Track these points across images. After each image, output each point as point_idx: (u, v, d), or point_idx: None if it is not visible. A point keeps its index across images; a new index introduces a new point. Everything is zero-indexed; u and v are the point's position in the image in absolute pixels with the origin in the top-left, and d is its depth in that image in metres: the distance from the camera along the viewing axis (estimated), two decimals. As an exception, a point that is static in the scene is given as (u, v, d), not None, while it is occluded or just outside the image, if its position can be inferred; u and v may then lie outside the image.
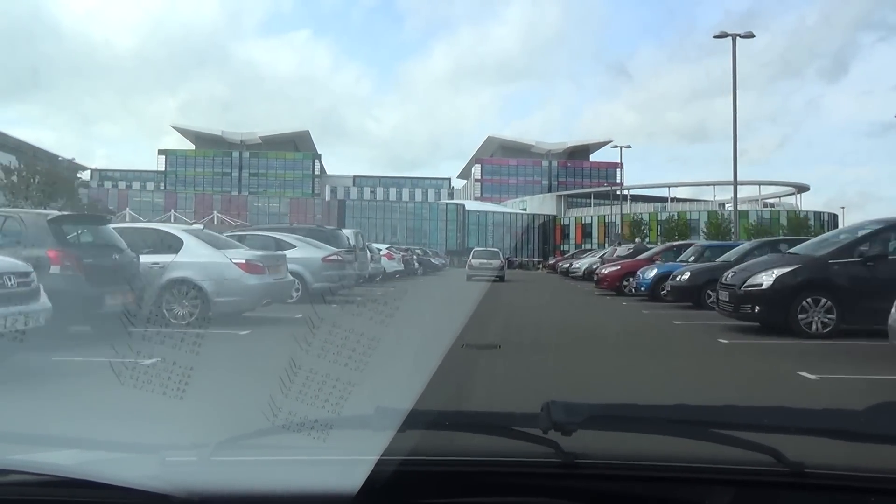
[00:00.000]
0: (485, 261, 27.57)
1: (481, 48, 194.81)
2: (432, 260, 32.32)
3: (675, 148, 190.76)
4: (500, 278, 26.02)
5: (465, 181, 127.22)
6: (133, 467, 1.09)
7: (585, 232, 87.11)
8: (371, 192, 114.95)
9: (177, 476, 1.04)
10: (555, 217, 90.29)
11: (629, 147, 45.06)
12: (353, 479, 1.00)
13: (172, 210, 66.52)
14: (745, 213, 77.83)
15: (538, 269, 55.40)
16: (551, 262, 44.06)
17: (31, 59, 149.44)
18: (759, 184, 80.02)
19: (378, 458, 1.03)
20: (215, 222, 67.65)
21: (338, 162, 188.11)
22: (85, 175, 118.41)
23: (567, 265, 31.91)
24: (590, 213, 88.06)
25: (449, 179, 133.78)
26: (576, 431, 1.07)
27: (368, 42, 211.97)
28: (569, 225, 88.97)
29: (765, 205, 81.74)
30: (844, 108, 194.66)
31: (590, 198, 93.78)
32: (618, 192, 66.14)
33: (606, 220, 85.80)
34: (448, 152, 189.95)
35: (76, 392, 5.00)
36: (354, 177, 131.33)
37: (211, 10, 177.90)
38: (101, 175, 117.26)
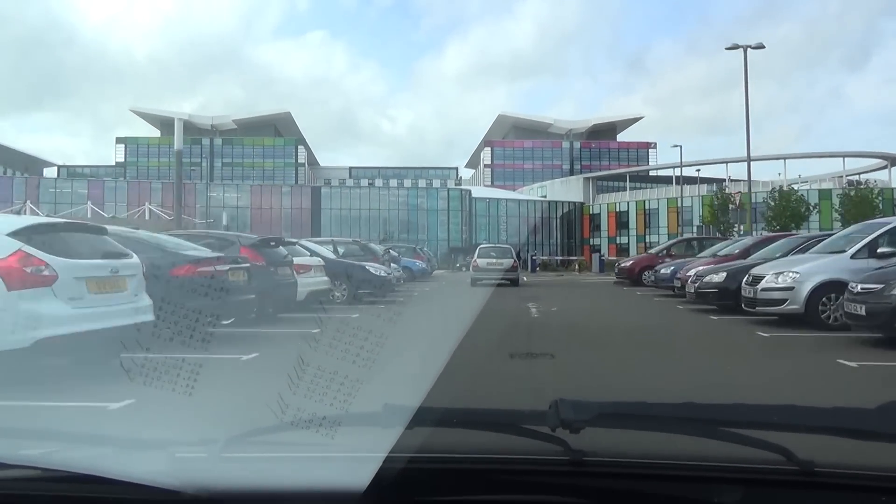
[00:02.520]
0: (493, 260, 22.39)
1: (496, 45, 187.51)
2: (371, 269, 13.51)
3: (693, 141, 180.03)
4: (513, 282, 21.62)
5: (473, 171, 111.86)
6: (143, 463, 1.11)
7: (620, 221, 70.91)
8: (369, 183, 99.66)
9: (187, 472, 1.04)
10: (582, 204, 74.13)
11: (758, 46, 28.89)
12: (361, 475, 0.99)
13: (88, 203, 51.30)
14: (826, 193, 61.58)
15: (574, 271, 39.34)
16: (626, 263, 22.63)
17: (49, 66, 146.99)
18: (844, 156, 63.71)
19: (386, 455, 1.03)
20: (147, 216, 52.72)
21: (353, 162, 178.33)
22: (51, 171, 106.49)
23: (718, 278, 11.38)
24: (625, 199, 71.72)
25: (456, 169, 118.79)
26: (584, 429, 1.07)
27: (382, 41, 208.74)
28: (599, 213, 72.78)
29: (850, 183, 65.19)
30: (867, 97, 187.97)
31: (624, 180, 77.48)
32: (650, 173, 50.06)
33: (647, 207, 69.57)
34: (462, 150, 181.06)
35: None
36: (350, 168, 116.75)
37: (227, 14, 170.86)
38: (69, 171, 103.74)
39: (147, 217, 52.18)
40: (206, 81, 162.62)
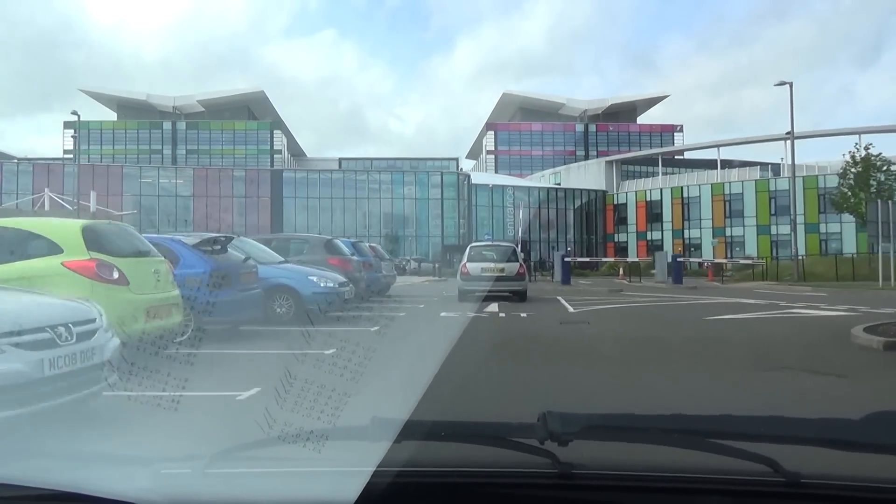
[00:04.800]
0: (490, 265, 15.90)
1: (505, 44, 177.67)
2: None
3: (704, 140, 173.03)
4: (519, 296, 15.53)
5: (475, 162, 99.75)
6: (128, 480, 1.10)
7: (652, 212, 58.60)
8: (363, 171, 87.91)
9: (171, 489, 1.04)
10: (604, 193, 61.83)
11: None
12: (348, 490, 0.99)
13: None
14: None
15: (621, 278, 26.88)
16: None
17: (60, 68, 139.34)
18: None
19: (374, 469, 1.02)
20: (46, 206, 40.90)
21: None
22: (11, 166, 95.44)
23: None
24: (658, 186, 59.30)
25: (456, 160, 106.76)
26: (572, 441, 1.07)
27: (391, 41, 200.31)
28: (626, 203, 60.43)
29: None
30: (877, 95, 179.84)
31: (652, 164, 65.12)
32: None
33: (686, 195, 57.15)
34: (468, 148, 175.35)
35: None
36: (340, 159, 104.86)
37: (236, 13, 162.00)
38: (30, 163, 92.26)
39: (47, 207, 40.41)
40: (213, 81, 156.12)
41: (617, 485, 1.09)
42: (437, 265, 31.91)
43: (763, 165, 57.32)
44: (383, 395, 2.11)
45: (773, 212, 52.19)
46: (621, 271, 28.42)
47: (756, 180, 53.77)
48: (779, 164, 56.98)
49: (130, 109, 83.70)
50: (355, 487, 0.98)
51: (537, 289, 20.86)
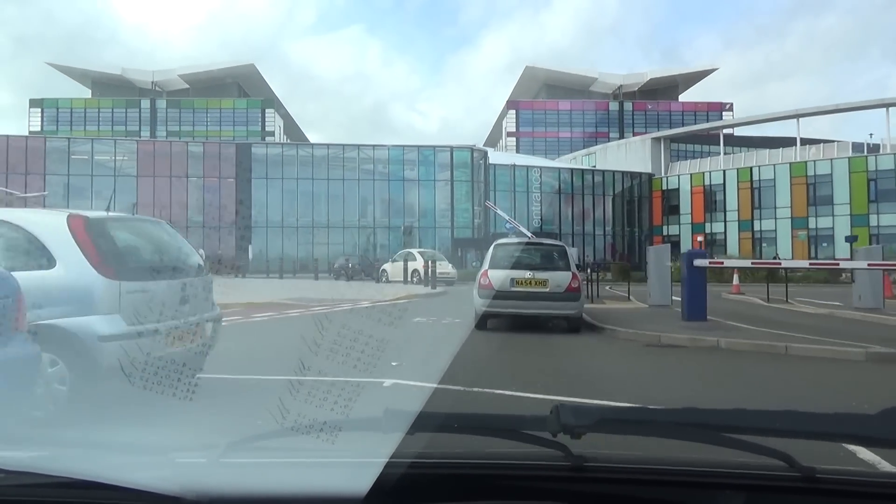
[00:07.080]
0: (527, 273, 10.72)
1: (532, 37, 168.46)
2: None
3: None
4: (571, 323, 10.74)
5: (492, 149, 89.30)
6: (144, 469, 1.12)
7: (711, 200, 47.83)
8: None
9: (187, 477, 1.05)
10: (650, 177, 51.06)
11: None
12: (362, 480, 1.00)
13: None
14: None
15: (736, 290, 16.30)
16: None
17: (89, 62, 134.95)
18: None
19: (387, 460, 1.04)
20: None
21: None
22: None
23: None
24: (719, 167, 48.35)
25: (471, 147, 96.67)
26: (585, 434, 1.07)
27: (416, 36, 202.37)
28: (677, 189, 49.59)
29: None
30: None
31: (711, 142, 54.18)
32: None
33: (756, 178, 46.22)
34: (486, 135, 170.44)
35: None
36: (345, 146, 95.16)
37: (263, 11, 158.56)
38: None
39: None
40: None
41: (629, 478, 1.08)
42: (430, 265, 21.75)
43: (856, 144, 46.15)
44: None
45: (872, 198, 41.12)
46: (736, 279, 18.21)
47: (850, 157, 42.72)
48: (872, 142, 45.79)
49: (107, 86, 74.33)
50: (368, 478, 0.98)
51: (652, 344, 9.54)
